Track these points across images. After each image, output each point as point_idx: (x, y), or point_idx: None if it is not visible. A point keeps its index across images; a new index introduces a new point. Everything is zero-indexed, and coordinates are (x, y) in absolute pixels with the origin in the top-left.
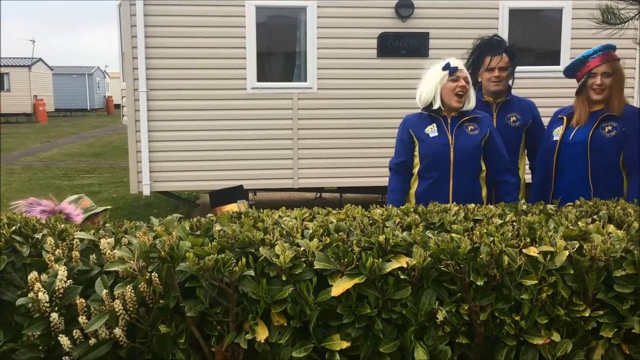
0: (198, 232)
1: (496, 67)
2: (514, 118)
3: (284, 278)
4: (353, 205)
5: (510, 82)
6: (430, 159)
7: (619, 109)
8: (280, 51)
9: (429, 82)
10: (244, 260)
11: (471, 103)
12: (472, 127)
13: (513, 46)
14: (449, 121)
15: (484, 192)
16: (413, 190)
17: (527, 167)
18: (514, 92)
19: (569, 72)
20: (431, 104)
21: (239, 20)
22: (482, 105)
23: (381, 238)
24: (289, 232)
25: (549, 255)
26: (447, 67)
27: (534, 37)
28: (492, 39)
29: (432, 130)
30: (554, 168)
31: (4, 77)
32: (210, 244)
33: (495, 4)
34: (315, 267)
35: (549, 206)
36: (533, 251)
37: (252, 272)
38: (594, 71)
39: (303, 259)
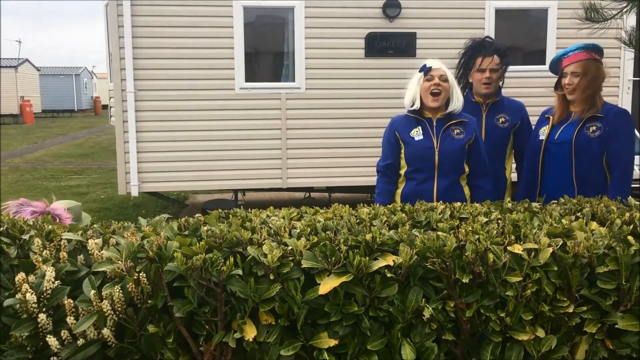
0: (186, 232)
1: (487, 68)
2: (503, 119)
3: (271, 277)
4: (340, 205)
5: (500, 83)
6: (415, 162)
7: (595, 108)
8: (268, 51)
9: (410, 85)
10: (231, 259)
11: (457, 104)
12: (458, 131)
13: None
14: (435, 124)
15: (466, 191)
16: (399, 191)
17: (514, 166)
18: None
19: (552, 70)
20: (413, 105)
21: (226, 20)
22: (472, 106)
23: (368, 237)
24: (277, 232)
25: (533, 253)
26: (422, 68)
27: (520, 37)
28: (484, 40)
29: (417, 134)
30: (539, 167)
31: None
32: (198, 243)
33: (481, 4)
34: (302, 266)
35: (534, 204)
36: (518, 248)
37: (240, 272)
38: (565, 70)
39: (291, 258)
